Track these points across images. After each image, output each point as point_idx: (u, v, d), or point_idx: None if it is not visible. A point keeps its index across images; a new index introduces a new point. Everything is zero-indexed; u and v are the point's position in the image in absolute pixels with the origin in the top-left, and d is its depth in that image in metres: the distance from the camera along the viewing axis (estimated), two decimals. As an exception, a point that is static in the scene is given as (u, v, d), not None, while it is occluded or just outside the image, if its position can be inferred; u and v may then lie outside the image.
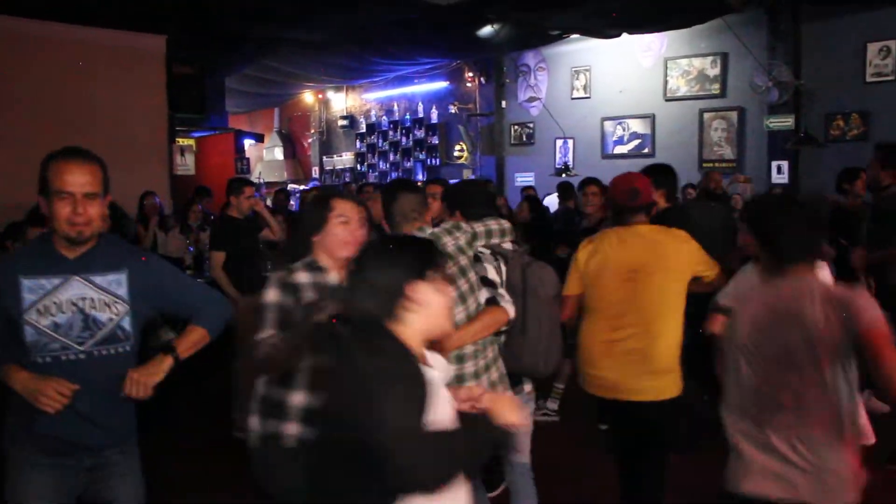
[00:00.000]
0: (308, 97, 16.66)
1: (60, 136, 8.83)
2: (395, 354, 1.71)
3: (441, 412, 1.71)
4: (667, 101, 10.89)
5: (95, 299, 2.44)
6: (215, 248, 5.66)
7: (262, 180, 15.32)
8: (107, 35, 8.90)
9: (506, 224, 3.37)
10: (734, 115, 10.26)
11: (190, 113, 10.10)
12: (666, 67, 10.86)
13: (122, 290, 2.49)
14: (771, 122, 9.70)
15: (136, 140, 8.97)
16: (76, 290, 2.41)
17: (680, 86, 10.75)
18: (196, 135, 12.19)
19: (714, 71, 10.41)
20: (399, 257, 1.82)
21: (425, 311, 1.79)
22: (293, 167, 17.24)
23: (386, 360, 1.67)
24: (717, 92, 10.40)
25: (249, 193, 5.82)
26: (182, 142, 11.12)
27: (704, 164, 10.33)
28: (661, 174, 4.55)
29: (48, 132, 8.24)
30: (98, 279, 2.45)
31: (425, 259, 1.84)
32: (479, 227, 3.21)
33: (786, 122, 9.60)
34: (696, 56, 10.55)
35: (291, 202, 10.98)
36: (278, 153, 17.29)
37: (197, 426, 5.67)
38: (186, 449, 5.13)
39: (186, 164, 11.05)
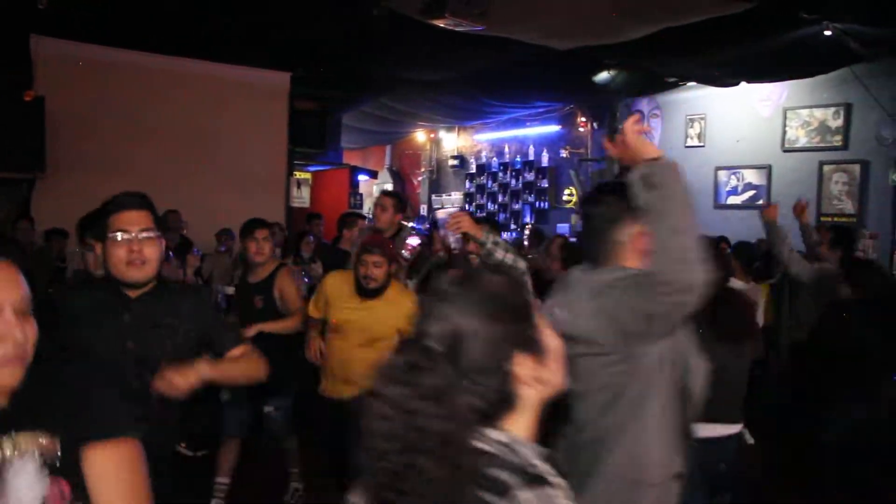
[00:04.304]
0: (420, 136, 17.00)
1: (187, 166, 9.39)
2: None
3: None
4: (784, 151, 10.60)
5: None
6: None
7: (371, 215, 15.68)
8: (235, 71, 9.38)
9: None
10: (857, 168, 9.87)
11: (309, 148, 10.48)
12: (785, 117, 10.58)
13: None
14: (898, 177, 9.29)
15: (256, 171, 9.39)
16: None
17: (799, 136, 10.45)
18: (312, 169, 12.63)
19: (836, 122, 10.07)
20: None
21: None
22: (402, 204, 17.55)
23: None
24: (839, 144, 10.05)
25: (362, 227, 6.08)
26: (299, 175, 11.52)
27: (822, 218, 9.96)
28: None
29: (178, 162, 8.76)
30: None
31: None
32: None
33: (914, 177, 9.18)
34: (817, 107, 10.24)
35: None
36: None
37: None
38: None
39: (302, 197, 11.45)
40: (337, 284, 4.52)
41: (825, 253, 5.74)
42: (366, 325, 4.30)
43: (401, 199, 5.71)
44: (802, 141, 10.43)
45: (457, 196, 16.33)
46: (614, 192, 2.41)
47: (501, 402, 1.30)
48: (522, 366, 1.31)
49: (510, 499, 1.17)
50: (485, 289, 1.34)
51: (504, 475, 1.20)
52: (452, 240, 4.09)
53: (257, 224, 4.90)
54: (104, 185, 8.47)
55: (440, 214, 15.69)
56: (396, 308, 4.19)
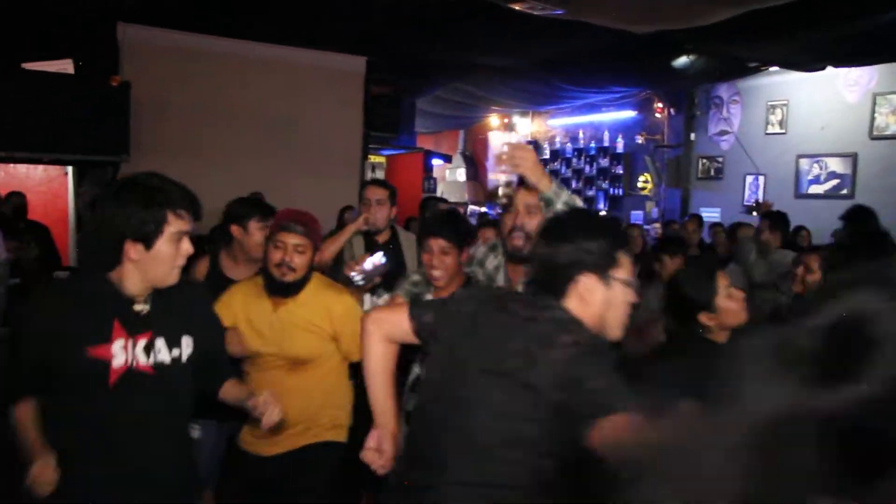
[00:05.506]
0: (493, 121, 16.92)
1: (265, 149, 9.50)
2: None
3: None
4: (873, 139, 10.20)
5: None
6: None
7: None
8: (312, 56, 9.48)
9: None
10: (951, 157, 9.47)
11: (384, 132, 10.54)
12: (874, 103, 10.17)
13: None
14: None
15: (332, 155, 9.48)
16: None
17: (889, 123, 10.04)
18: (386, 153, 12.71)
19: (930, 109, 9.66)
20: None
21: None
22: (474, 189, 17.55)
23: None
24: (933, 132, 9.64)
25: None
26: (374, 159, 11.61)
27: (912, 209, 9.59)
28: None
29: (256, 145, 8.92)
30: None
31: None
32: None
33: None
34: (910, 92, 9.84)
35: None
36: (460, 174, 17.67)
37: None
38: None
39: (376, 181, 11.53)
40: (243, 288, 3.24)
41: (767, 236, 5.74)
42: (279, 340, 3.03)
43: (394, 191, 4.43)
44: (893, 128, 10.01)
45: (529, 182, 16.20)
46: None
47: None
48: None
49: None
50: None
51: None
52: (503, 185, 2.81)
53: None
54: (185, 168, 8.67)
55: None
56: (315, 310, 3.06)
